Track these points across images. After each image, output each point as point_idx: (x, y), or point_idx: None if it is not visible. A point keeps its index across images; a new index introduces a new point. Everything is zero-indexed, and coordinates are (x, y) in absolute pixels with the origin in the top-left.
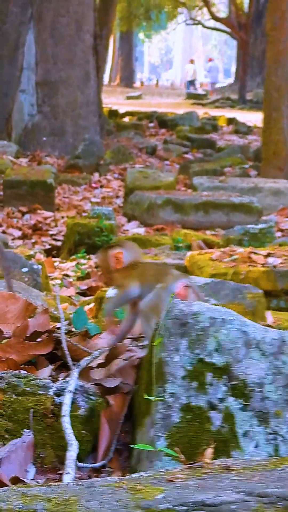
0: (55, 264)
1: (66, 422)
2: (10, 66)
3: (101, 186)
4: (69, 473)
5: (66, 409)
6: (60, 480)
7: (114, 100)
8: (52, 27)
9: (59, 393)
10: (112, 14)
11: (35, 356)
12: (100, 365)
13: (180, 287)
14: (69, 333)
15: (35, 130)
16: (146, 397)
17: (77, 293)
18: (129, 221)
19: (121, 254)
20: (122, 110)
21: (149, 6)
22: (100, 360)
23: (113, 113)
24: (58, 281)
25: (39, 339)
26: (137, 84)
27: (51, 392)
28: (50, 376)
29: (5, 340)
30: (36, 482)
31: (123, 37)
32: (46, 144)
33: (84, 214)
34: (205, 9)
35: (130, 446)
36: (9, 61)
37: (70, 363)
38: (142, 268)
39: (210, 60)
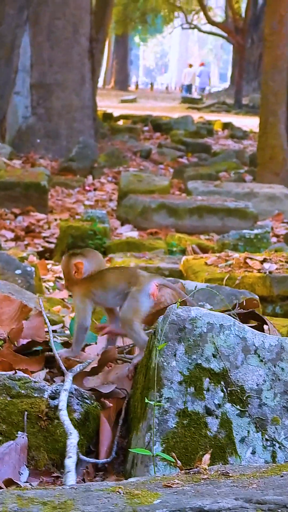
0: (48, 266)
1: (63, 415)
2: (5, 68)
3: (95, 189)
4: (70, 457)
5: (63, 404)
6: (54, 483)
7: (109, 103)
8: (49, 29)
9: (54, 396)
10: (108, 17)
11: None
12: (93, 369)
13: (154, 287)
14: (65, 343)
15: (29, 132)
16: (147, 401)
17: (70, 295)
18: (122, 224)
19: (81, 264)
20: (116, 113)
21: (145, 10)
22: (94, 364)
23: (108, 116)
24: (51, 284)
25: (35, 348)
26: (132, 87)
27: (45, 395)
28: (45, 379)
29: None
30: (30, 484)
31: (119, 40)
32: (40, 146)
33: (77, 217)
34: (201, 13)
35: (125, 450)
36: (5, 63)
37: (64, 369)
38: (107, 275)
39: (202, 64)
